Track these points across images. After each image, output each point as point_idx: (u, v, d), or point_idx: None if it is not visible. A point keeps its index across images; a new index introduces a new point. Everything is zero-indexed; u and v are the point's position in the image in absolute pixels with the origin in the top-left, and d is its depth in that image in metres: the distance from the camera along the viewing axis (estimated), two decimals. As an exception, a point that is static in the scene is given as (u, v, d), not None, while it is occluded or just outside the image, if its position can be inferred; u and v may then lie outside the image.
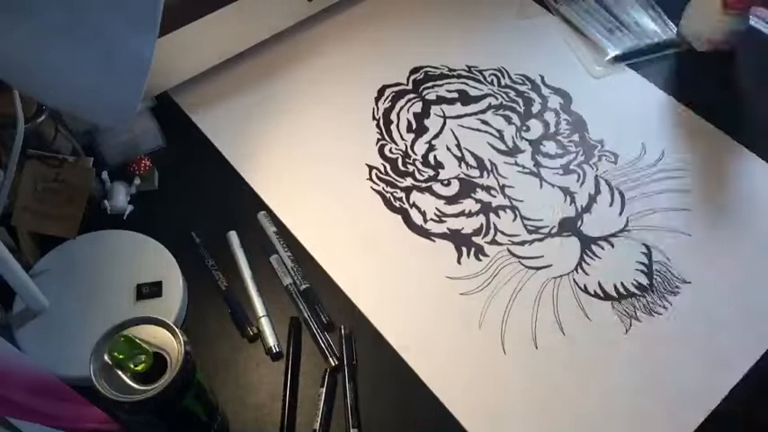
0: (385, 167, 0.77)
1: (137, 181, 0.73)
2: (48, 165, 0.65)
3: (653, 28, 0.91)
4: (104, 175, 0.73)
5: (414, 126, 0.81)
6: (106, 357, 0.48)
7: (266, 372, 0.63)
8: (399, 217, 0.74)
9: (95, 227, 0.70)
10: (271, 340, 0.64)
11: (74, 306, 0.64)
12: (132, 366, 0.48)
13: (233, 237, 0.71)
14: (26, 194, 0.65)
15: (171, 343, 0.49)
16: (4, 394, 0.48)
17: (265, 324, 0.65)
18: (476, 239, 0.72)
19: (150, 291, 0.65)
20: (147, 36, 0.43)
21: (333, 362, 0.63)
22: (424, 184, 0.76)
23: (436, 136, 0.80)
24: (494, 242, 0.72)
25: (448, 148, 0.79)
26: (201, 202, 0.75)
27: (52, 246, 0.68)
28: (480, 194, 0.75)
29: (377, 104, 0.83)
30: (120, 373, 0.48)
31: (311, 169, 0.77)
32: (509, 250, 0.71)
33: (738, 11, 0.82)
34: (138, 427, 0.52)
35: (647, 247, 0.71)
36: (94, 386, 0.47)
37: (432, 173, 0.77)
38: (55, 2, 0.40)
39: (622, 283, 0.69)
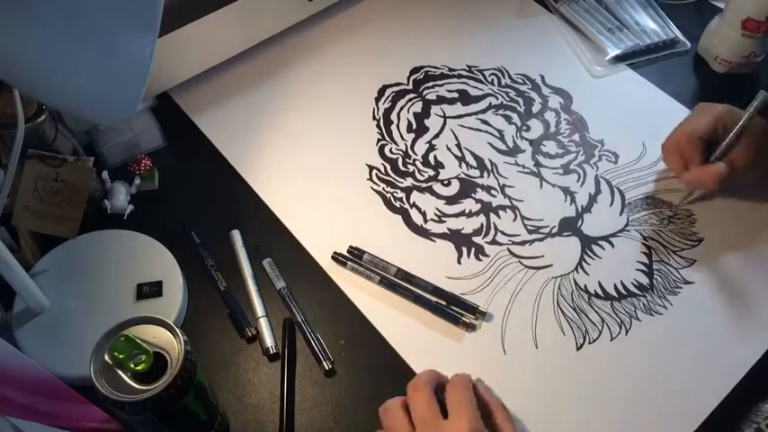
0: (385, 167, 0.77)
1: (137, 181, 0.73)
2: (48, 164, 0.65)
3: (653, 28, 0.91)
4: (104, 174, 0.73)
5: (414, 126, 0.81)
6: (106, 357, 0.48)
7: (266, 371, 0.63)
8: (399, 217, 0.74)
9: (95, 227, 0.70)
10: (269, 341, 0.64)
11: (74, 306, 0.64)
12: (132, 366, 0.48)
13: (236, 236, 0.71)
14: (26, 194, 0.64)
15: (171, 343, 0.49)
16: (5, 394, 0.48)
17: (264, 325, 0.65)
18: (476, 239, 0.72)
19: (150, 290, 0.65)
20: (148, 36, 0.43)
21: (327, 365, 0.63)
22: (424, 185, 0.76)
23: (436, 136, 0.80)
24: (494, 242, 0.72)
25: (448, 148, 0.79)
26: (201, 202, 0.75)
27: (52, 246, 0.68)
28: (480, 194, 0.75)
29: (377, 104, 0.83)
30: (120, 372, 0.48)
31: (311, 169, 0.77)
32: (509, 250, 0.71)
33: (758, 33, 0.81)
34: (138, 426, 0.52)
35: (648, 247, 0.71)
36: (94, 386, 0.47)
37: (432, 173, 0.77)
38: (55, 2, 0.40)
39: (622, 283, 0.69)
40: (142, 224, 0.71)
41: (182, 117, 0.81)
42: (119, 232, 0.70)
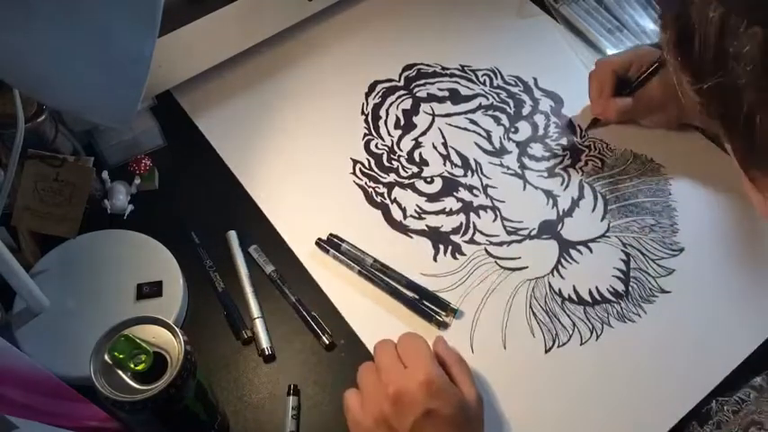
0: (369, 162, 0.78)
1: (137, 181, 0.74)
2: (48, 164, 0.65)
3: (653, 28, 0.90)
4: (104, 174, 0.73)
5: (402, 122, 0.81)
6: (106, 357, 0.48)
7: (266, 371, 0.64)
8: (379, 212, 0.74)
9: (95, 227, 0.70)
10: (264, 342, 0.65)
11: (74, 306, 0.65)
12: (132, 366, 0.48)
13: (232, 236, 0.72)
14: (26, 194, 0.64)
15: (171, 343, 0.50)
16: (5, 393, 0.49)
17: (260, 326, 0.66)
18: (454, 238, 0.72)
19: (150, 290, 0.65)
20: (148, 35, 0.43)
21: (326, 339, 0.64)
22: (406, 181, 0.76)
23: (423, 133, 0.80)
24: (472, 241, 0.72)
25: (434, 146, 0.79)
26: (201, 202, 0.75)
27: (52, 246, 0.68)
28: (462, 193, 0.75)
29: (367, 100, 0.83)
30: (120, 372, 0.48)
31: (303, 166, 0.78)
32: (486, 250, 0.71)
33: None
34: (138, 426, 0.52)
35: (627, 254, 0.71)
36: (94, 386, 0.48)
37: (416, 170, 0.77)
38: (55, 2, 0.41)
39: (597, 289, 0.68)
40: (142, 224, 0.71)
41: (182, 117, 0.81)
42: (119, 232, 0.70)
